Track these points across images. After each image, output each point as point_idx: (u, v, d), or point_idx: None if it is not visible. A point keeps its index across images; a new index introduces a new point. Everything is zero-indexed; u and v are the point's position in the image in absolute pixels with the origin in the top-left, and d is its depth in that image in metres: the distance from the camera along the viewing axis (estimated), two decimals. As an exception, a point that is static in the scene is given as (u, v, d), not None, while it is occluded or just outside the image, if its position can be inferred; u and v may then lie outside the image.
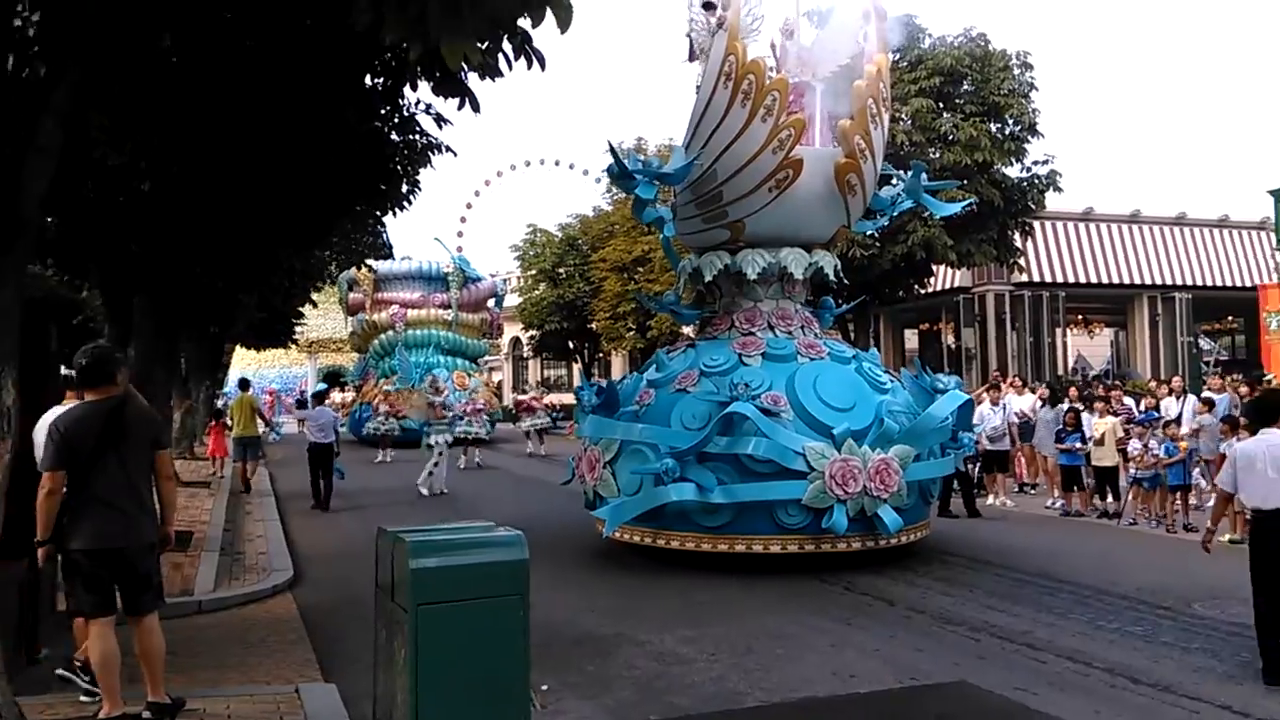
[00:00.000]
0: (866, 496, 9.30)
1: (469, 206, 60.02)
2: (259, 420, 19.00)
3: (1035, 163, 23.02)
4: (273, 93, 8.39)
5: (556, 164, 59.64)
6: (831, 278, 11.22)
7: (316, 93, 8.75)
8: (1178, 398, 14.50)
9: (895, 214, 12.29)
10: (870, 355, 11.33)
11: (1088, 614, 7.84)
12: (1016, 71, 22.17)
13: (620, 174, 10.54)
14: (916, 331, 36.01)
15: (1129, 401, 14.76)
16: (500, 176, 60.06)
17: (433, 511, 14.70)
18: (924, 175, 11.74)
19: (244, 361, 52.80)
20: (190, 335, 19.10)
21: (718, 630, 7.50)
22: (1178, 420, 13.21)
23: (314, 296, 32.68)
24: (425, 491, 16.52)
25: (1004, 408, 14.87)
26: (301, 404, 25.80)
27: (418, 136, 10.75)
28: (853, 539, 9.48)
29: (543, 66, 6.70)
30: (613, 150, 10.40)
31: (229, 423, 19.37)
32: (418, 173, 11.29)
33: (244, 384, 20.54)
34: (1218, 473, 11.60)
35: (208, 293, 13.22)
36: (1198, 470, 12.22)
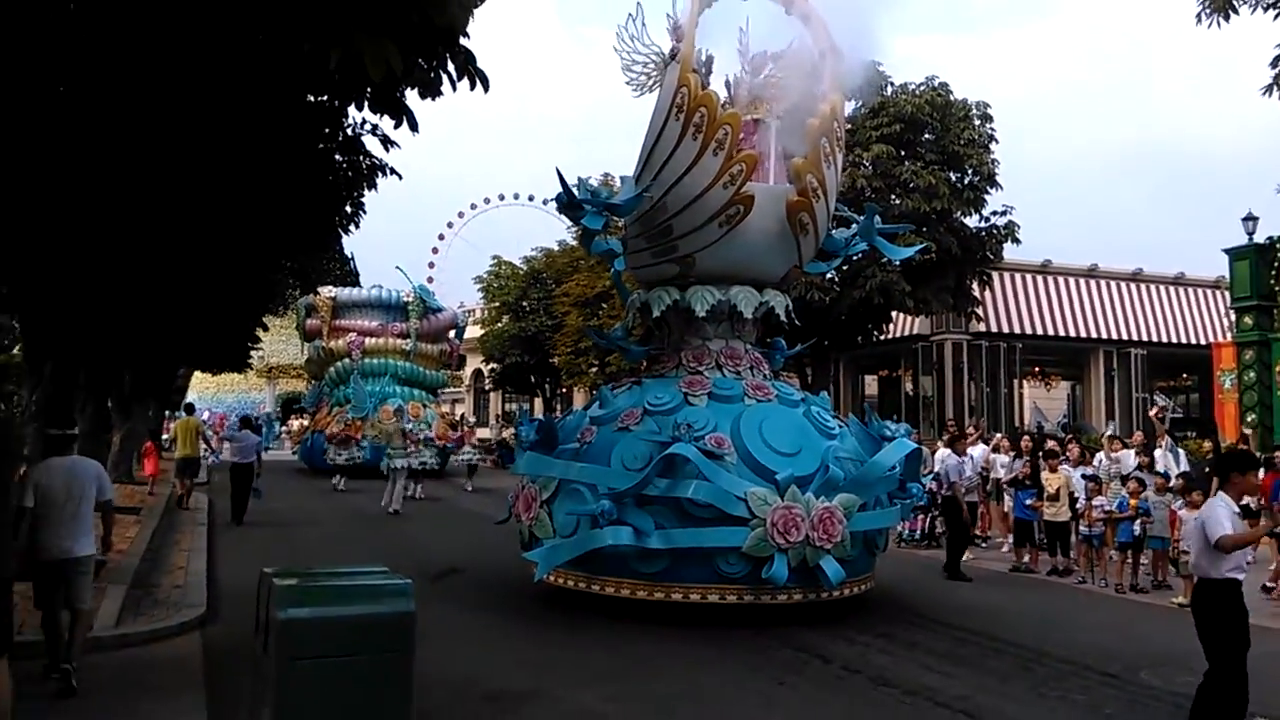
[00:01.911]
0: (809, 546, 8.92)
1: (441, 238, 59.96)
2: (201, 443, 19.84)
3: (994, 213, 23.12)
4: (204, 107, 8.03)
5: (530, 199, 59.83)
6: (783, 318, 10.91)
7: (254, 109, 8.41)
8: (1136, 453, 14.32)
9: (850, 255, 12.11)
10: (820, 399, 11.03)
11: (1030, 679, 7.53)
12: (977, 123, 22.32)
13: (569, 203, 10.25)
14: (876, 377, 35.94)
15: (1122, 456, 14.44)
16: (474, 209, 60.12)
17: (362, 546, 14.15)
18: (877, 218, 11.56)
19: (203, 385, 51.98)
20: (127, 360, 18.55)
21: (643, 687, 7.10)
22: (1136, 476, 13.03)
23: (274, 321, 32.17)
24: (393, 510, 18.11)
25: (971, 459, 14.57)
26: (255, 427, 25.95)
27: (362, 158, 10.46)
28: (793, 590, 9.12)
29: (486, 88, 6.44)
30: (561, 178, 10.10)
31: (163, 442, 19.58)
32: (362, 195, 11.00)
33: (189, 408, 21.70)
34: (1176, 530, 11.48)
35: (137, 321, 12.79)
36: (1138, 525, 11.97)
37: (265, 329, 23.93)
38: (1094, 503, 12.25)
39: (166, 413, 35.37)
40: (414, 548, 13.88)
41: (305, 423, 34.39)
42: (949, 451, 13.98)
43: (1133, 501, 11.84)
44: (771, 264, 10.73)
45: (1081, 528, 12.48)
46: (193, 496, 18.59)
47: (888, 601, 10.45)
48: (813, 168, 10.08)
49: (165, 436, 29.86)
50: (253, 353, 29.59)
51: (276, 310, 31.02)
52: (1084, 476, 12.81)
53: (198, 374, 39.50)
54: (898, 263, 19.86)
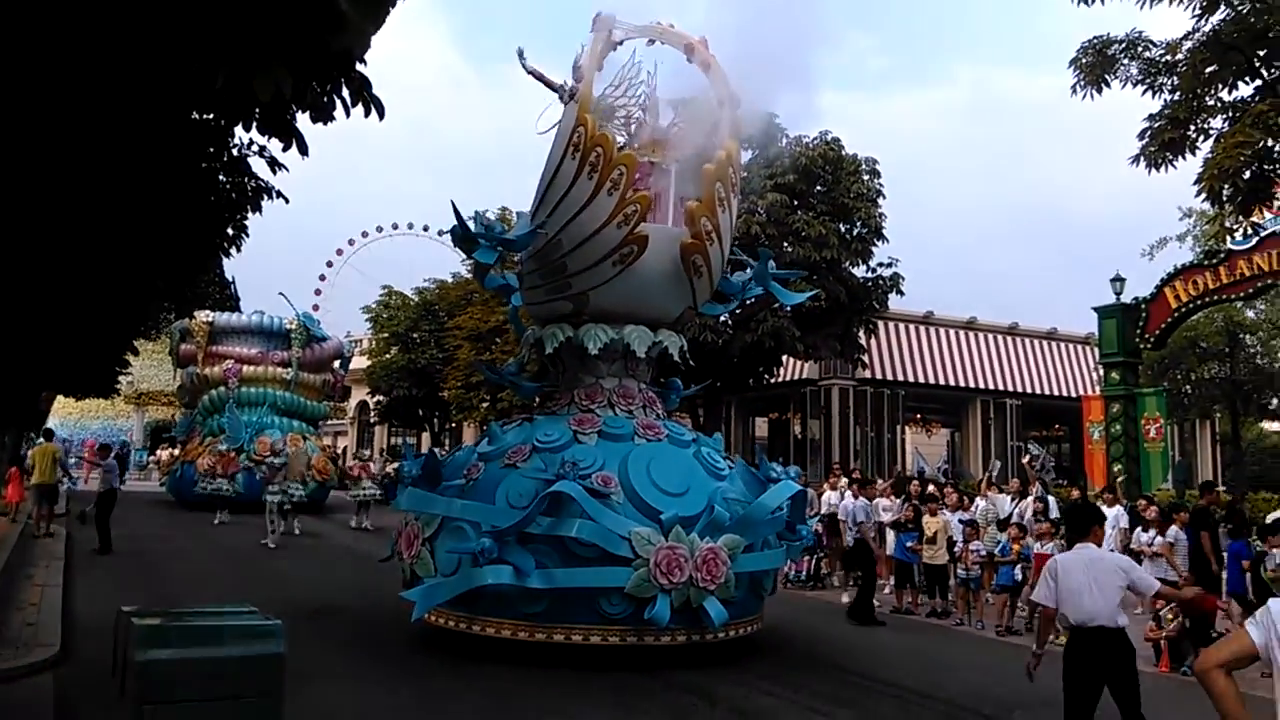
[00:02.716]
0: (692, 587, 8.85)
1: (329, 265, 58.64)
2: (59, 471, 19.80)
3: (880, 264, 23.86)
4: (77, 116, 7.64)
5: (425, 229, 59.13)
6: (676, 358, 10.92)
7: (133, 122, 8.05)
8: (1012, 499, 14.84)
9: (746, 299, 12.26)
10: (713, 440, 11.06)
11: (909, 720, 7.63)
12: (866, 177, 23.02)
13: (463, 236, 10.10)
14: (766, 420, 36.48)
15: (997, 500, 14.84)
16: (366, 237, 59.02)
17: (231, 583, 13.50)
18: (771, 263, 11.75)
19: (65, 410, 49.24)
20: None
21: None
22: (1009, 519, 13.46)
23: (145, 345, 30.67)
24: (272, 545, 17.80)
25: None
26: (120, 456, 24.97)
27: (247, 179, 10.11)
28: (678, 632, 9.04)
29: (381, 115, 6.28)
30: (455, 211, 9.99)
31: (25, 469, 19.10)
32: (246, 217, 10.62)
33: (48, 434, 21.11)
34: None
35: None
36: (1019, 570, 12.35)
37: (135, 353, 22.85)
38: (970, 546, 12.59)
39: (33, 437, 33.50)
40: (287, 586, 13.31)
41: (175, 453, 32.82)
42: (855, 498, 14.04)
43: (1015, 547, 12.21)
44: (666, 304, 10.77)
45: (959, 571, 12.81)
46: (51, 525, 17.70)
47: (774, 642, 10.47)
48: (707, 211, 10.15)
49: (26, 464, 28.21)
50: (121, 378, 28.19)
51: (148, 333, 29.71)
52: (962, 521, 13.17)
53: (60, 398, 37.43)
54: (789, 308, 20.25)
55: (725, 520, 9.22)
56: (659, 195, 10.65)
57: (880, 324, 27.04)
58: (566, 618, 8.92)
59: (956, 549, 12.88)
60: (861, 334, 24.98)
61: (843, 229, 22.62)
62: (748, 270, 12.01)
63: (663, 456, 9.76)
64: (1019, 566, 12.14)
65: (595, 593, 8.81)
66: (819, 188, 22.75)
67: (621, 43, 10.95)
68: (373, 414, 48.26)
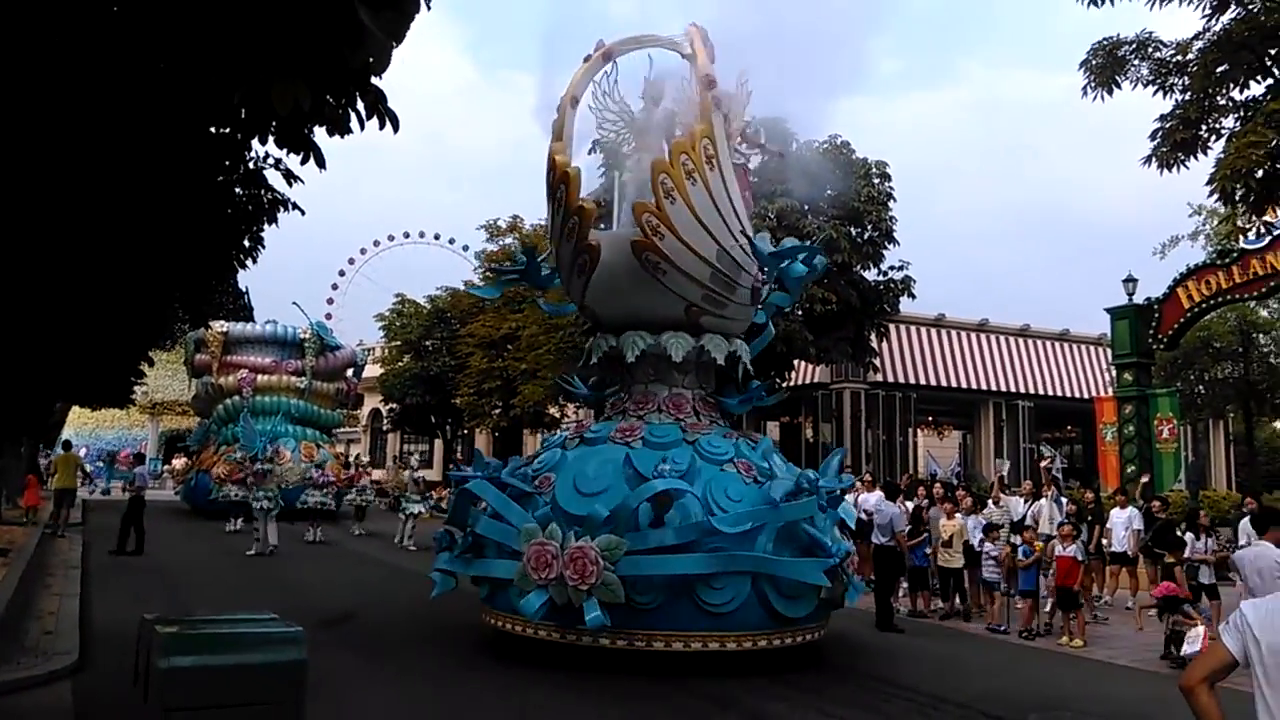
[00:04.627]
0: (568, 586, 8.64)
1: (342, 274, 58.94)
2: (79, 476, 22.34)
3: (891, 268, 23.75)
4: (95, 129, 7.73)
5: (436, 238, 59.41)
6: (675, 359, 10.39)
7: (150, 136, 8.13)
8: (1026, 501, 14.81)
9: (808, 282, 12.52)
10: (731, 444, 10.17)
11: (923, 724, 7.63)
12: (876, 181, 22.97)
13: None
14: (778, 424, 36.43)
15: (1010, 503, 14.80)
16: (378, 246, 59.31)
17: (249, 590, 13.59)
18: (784, 241, 11.93)
19: (81, 421, 49.62)
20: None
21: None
22: (1023, 522, 13.42)
23: (160, 355, 30.90)
24: (255, 552, 17.67)
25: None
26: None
27: (264, 191, 10.20)
28: (616, 635, 8.74)
29: (395, 127, 6.34)
30: (511, 256, 10.37)
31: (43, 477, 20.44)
32: (262, 229, 10.71)
33: (67, 445, 23.15)
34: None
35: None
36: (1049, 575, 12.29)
37: (151, 363, 22.99)
38: (985, 549, 12.56)
39: (45, 448, 33.91)
40: (305, 592, 13.40)
41: (189, 461, 33.05)
42: (887, 500, 13.88)
43: (1037, 546, 12.18)
44: (654, 306, 10.31)
45: (988, 574, 12.64)
46: (68, 538, 18.12)
47: (788, 646, 10.40)
48: (649, 207, 9.75)
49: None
50: (136, 388, 28.42)
51: (164, 344, 29.97)
52: (986, 527, 13.01)
53: (75, 408, 37.75)
54: (799, 312, 20.26)
55: (599, 518, 8.81)
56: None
57: (892, 327, 27.00)
58: (501, 605, 9.51)
59: (984, 547, 12.66)
60: (873, 337, 24.94)
61: (853, 232, 22.58)
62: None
63: (600, 458, 9.64)
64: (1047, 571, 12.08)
65: (506, 584, 9.27)
66: (829, 192, 22.72)
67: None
68: (385, 421, 48.41)
